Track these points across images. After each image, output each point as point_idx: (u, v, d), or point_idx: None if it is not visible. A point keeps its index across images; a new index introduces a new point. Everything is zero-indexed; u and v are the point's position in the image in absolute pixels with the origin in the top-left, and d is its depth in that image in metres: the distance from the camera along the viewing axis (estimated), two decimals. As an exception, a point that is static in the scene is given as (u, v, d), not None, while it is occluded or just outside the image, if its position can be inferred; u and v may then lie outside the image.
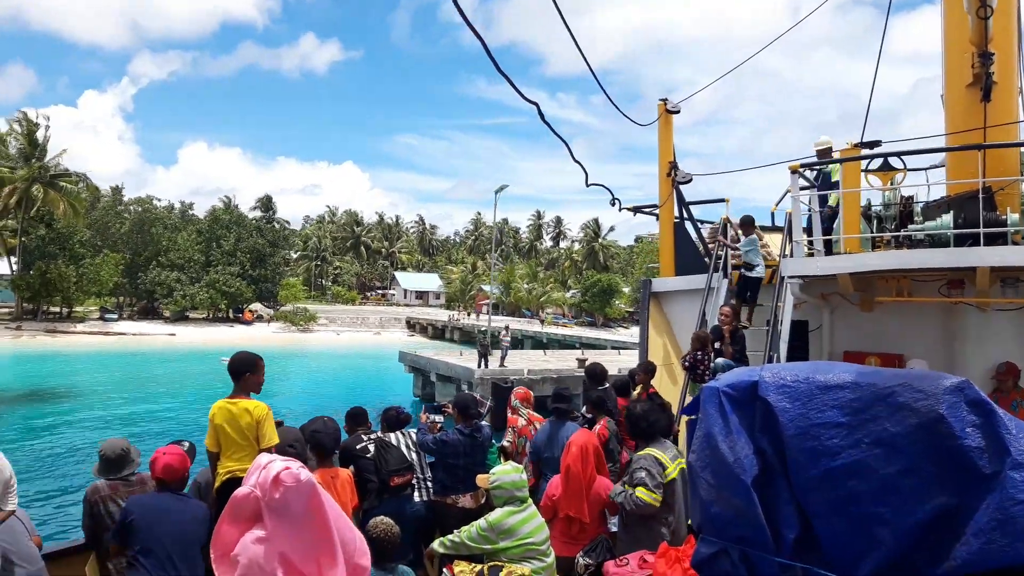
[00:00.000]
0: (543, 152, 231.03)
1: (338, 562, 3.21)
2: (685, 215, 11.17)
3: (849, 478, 2.53)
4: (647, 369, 7.88)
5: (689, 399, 7.50)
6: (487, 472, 4.87)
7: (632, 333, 79.58)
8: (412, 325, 68.29)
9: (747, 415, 2.81)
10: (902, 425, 2.47)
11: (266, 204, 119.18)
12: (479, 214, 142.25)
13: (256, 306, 68.52)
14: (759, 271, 8.86)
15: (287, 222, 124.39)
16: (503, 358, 29.50)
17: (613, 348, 46.77)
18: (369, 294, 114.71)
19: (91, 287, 56.61)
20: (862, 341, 8.21)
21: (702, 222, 11.45)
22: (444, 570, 4.12)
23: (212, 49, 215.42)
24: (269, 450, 4.31)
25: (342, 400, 28.17)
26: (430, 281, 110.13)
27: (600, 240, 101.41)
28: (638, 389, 7.57)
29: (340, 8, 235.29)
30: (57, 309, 60.06)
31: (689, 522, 4.03)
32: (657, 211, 11.39)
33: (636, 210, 12.00)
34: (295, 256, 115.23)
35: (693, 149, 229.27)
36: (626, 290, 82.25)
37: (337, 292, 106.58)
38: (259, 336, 59.66)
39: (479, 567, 4.09)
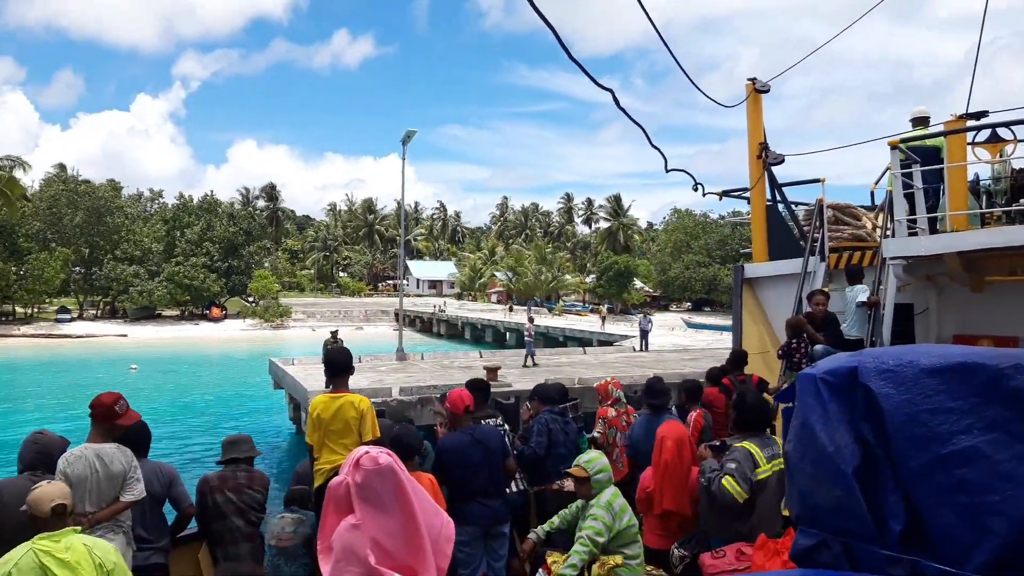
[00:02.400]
0: (587, 137, 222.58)
1: (425, 546, 3.27)
2: (778, 197, 10.77)
3: (960, 466, 2.41)
4: (734, 359, 8.02)
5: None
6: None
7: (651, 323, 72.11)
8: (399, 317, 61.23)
9: (847, 403, 2.69)
10: (1018, 409, 2.36)
11: (270, 193, 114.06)
12: (505, 199, 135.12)
13: (237, 300, 62.42)
14: (853, 333, 7.78)
15: (292, 211, 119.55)
16: (529, 356, 22.58)
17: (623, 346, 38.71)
18: (381, 285, 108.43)
19: (35, 285, 50.96)
20: (973, 324, 8.13)
21: (796, 204, 11.14)
22: (540, 570, 4.32)
23: (246, 47, 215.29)
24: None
25: (188, 430, 21.15)
26: (444, 269, 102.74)
27: (621, 219, 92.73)
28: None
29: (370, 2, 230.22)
30: (9, 309, 54.88)
31: (786, 512, 3.99)
32: (747, 194, 11.06)
33: (724, 194, 11.72)
34: (306, 247, 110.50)
35: (733, 128, 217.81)
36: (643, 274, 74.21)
37: (344, 283, 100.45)
38: (219, 336, 53.40)
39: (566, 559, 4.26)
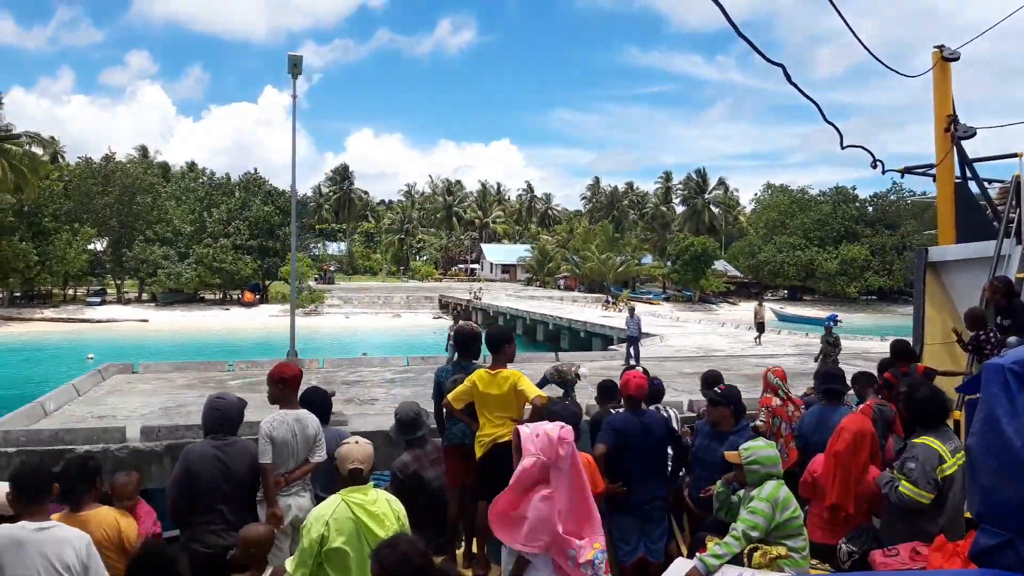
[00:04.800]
0: (698, 118, 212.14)
1: (594, 512, 3.59)
2: (968, 174, 10.18)
3: None
4: (895, 350, 7.47)
5: None
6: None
7: (729, 315, 63.32)
8: (445, 305, 55.85)
9: None
10: None
11: (342, 174, 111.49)
12: (596, 179, 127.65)
13: (283, 284, 58.82)
14: None
15: (365, 192, 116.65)
16: (633, 357, 16.98)
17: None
18: (453, 269, 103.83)
19: (57, 267, 48.84)
20: None
21: (989, 181, 10.77)
22: (697, 554, 4.18)
23: (353, 37, 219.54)
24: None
25: None
26: (518, 254, 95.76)
27: (705, 196, 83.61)
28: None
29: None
30: (41, 291, 53.38)
31: (968, 513, 3.75)
32: (933, 171, 10.50)
33: (906, 171, 11.16)
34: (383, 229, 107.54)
35: (854, 104, 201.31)
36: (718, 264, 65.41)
37: (417, 268, 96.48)
38: (245, 322, 49.66)
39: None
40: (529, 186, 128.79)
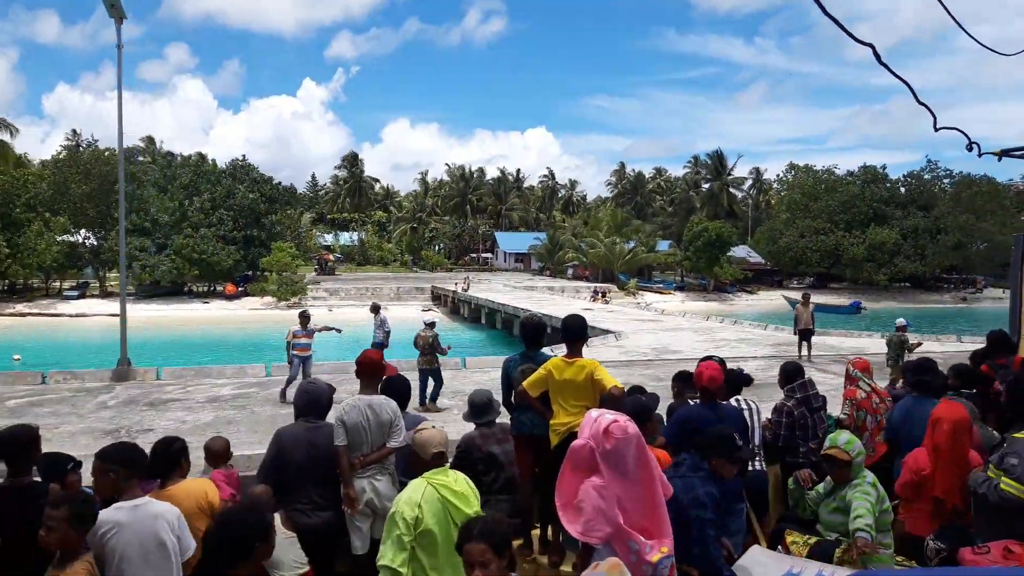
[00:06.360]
0: (738, 103, 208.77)
1: (662, 510, 3.47)
2: None
3: None
4: (992, 341, 7.36)
5: None
6: None
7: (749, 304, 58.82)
8: (437, 296, 52.59)
9: None
10: None
11: (351, 161, 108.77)
12: (622, 164, 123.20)
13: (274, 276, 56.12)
14: None
15: (375, 179, 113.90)
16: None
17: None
18: (466, 258, 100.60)
19: (28, 259, 46.67)
20: None
21: None
22: (779, 547, 4.33)
23: (385, 27, 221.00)
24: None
25: None
26: (530, 241, 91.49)
27: (724, 179, 78.88)
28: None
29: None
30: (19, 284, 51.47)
31: None
32: None
33: (1004, 154, 10.32)
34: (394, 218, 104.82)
35: (897, 86, 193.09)
36: (739, 249, 60.95)
37: (427, 257, 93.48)
38: (222, 315, 47.07)
39: (813, 539, 4.34)
40: (551, 172, 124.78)
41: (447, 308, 48.95)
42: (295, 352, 13.51)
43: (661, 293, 59.25)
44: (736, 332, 25.06)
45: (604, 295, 47.18)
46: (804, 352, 17.94)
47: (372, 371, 4.95)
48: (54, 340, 36.38)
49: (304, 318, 14.09)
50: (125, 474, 3.68)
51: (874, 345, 21.16)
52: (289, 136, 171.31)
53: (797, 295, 58.97)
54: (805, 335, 18.16)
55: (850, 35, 4.58)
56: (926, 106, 6.84)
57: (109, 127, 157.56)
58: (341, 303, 51.13)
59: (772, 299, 60.07)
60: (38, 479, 4.11)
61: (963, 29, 6.61)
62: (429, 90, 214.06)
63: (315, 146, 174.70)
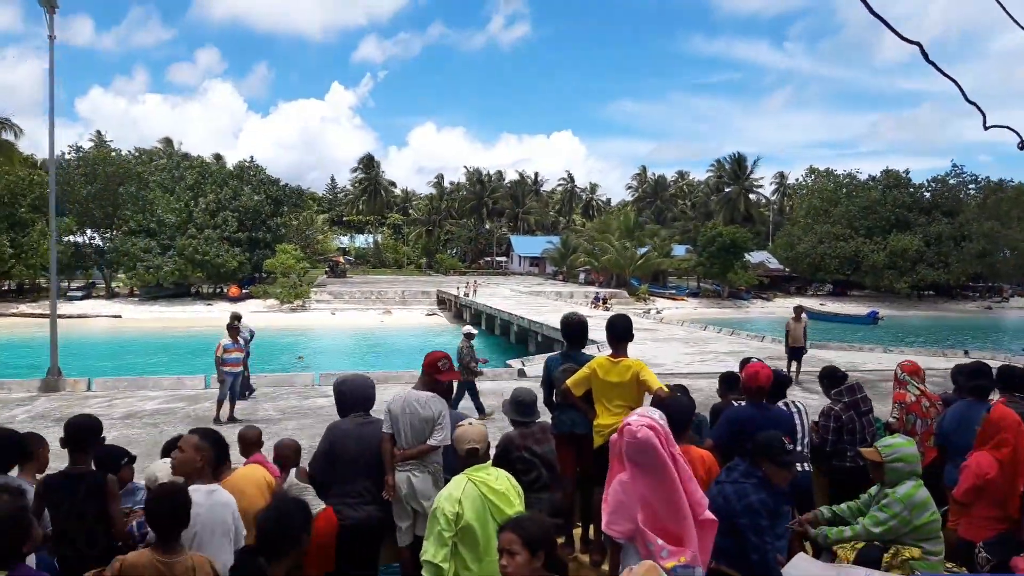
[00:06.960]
0: (766, 107, 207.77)
1: (687, 515, 3.37)
2: None
3: None
4: None
5: None
6: None
7: (765, 310, 57.07)
8: (442, 301, 51.65)
9: None
10: None
11: (368, 163, 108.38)
12: (643, 168, 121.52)
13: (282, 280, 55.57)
14: None
15: (393, 183, 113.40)
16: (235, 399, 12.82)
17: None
18: (481, 262, 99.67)
19: (32, 259, 46.53)
20: None
21: None
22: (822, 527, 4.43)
23: (409, 32, 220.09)
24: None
25: None
26: (544, 245, 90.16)
27: (743, 182, 77.06)
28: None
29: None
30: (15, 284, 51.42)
31: None
32: None
33: None
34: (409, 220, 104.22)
35: (925, 91, 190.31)
36: (754, 255, 59.18)
37: (441, 260, 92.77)
38: (224, 319, 46.44)
39: (860, 544, 4.23)
40: (570, 175, 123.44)
41: (451, 312, 47.99)
42: (226, 369, 11.98)
43: (674, 299, 57.81)
44: (729, 344, 23.73)
45: (605, 301, 45.92)
46: (792, 370, 16.00)
47: (425, 368, 4.99)
48: (45, 341, 35.88)
49: (233, 329, 12.81)
50: (211, 458, 3.95)
51: (872, 360, 19.78)
52: (317, 139, 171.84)
53: (814, 303, 57.43)
54: (795, 354, 16.27)
55: (897, 34, 4.50)
56: (975, 104, 6.38)
57: (142, 129, 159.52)
58: (344, 307, 50.40)
59: (788, 307, 58.22)
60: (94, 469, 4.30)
61: (1019, 24, 6.21)
62: (454, 95, 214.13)
63: (342, 150, 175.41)
